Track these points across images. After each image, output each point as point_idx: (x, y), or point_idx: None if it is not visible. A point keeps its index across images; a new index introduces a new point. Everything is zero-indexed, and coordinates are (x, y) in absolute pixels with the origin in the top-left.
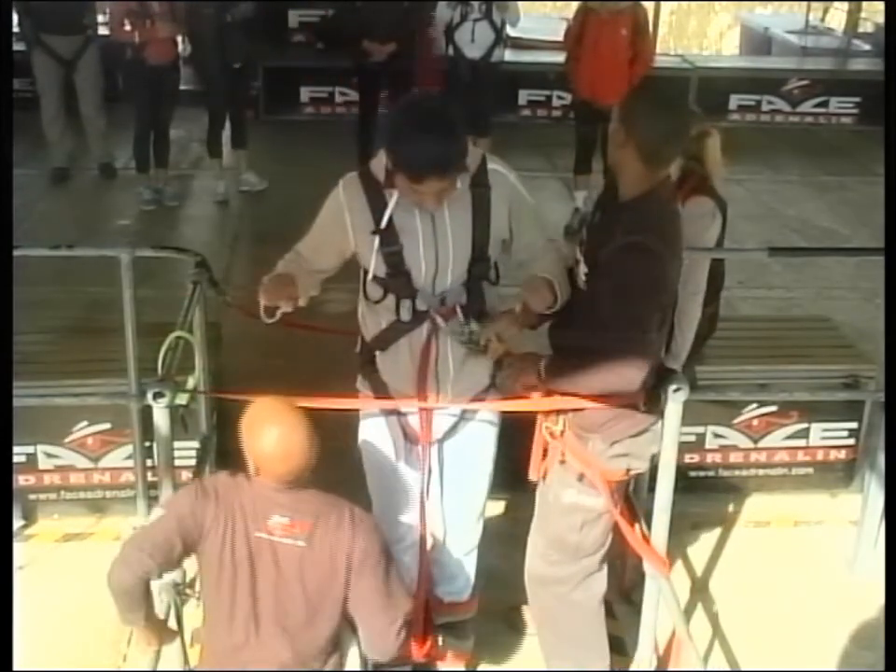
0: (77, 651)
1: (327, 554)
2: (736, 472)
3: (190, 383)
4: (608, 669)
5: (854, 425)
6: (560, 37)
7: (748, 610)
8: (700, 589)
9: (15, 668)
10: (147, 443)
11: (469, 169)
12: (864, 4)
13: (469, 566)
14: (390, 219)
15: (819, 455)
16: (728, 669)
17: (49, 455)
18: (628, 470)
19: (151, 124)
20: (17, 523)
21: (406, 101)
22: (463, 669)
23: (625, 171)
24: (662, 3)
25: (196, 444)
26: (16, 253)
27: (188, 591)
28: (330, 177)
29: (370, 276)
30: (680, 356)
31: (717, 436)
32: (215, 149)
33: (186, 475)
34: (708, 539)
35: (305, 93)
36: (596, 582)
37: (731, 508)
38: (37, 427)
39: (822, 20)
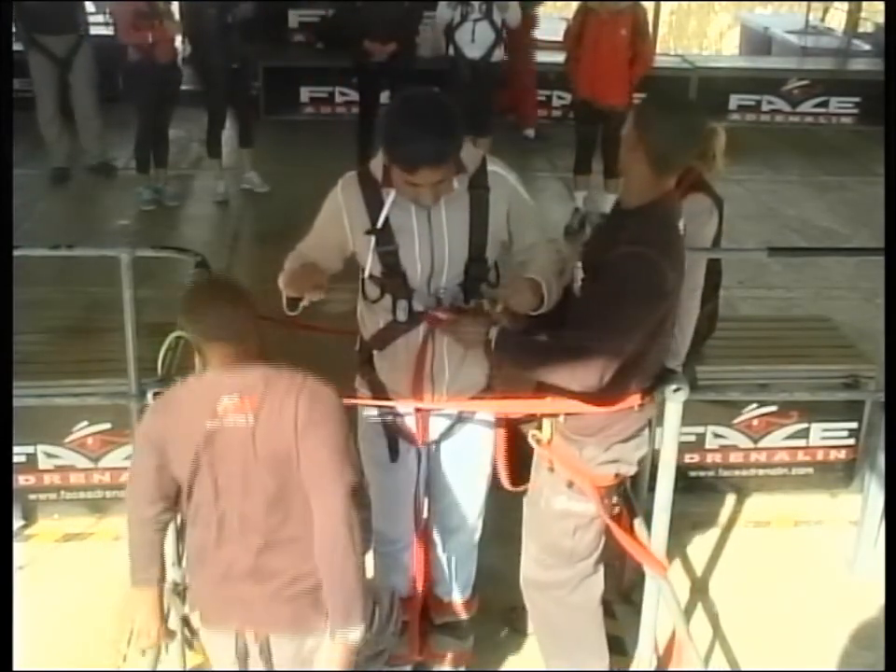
0: (77, 650)
1: (276, 424)
2: (736, 472)
3: None
4: (607, 669)
5: (854, 425)
6: (560, 37)
7: (748, 610)
8: (700, 589)
9: (15, 668)
10: None
11: (467, 169)
12: (864, 4)
13: (469, 566)
14: (387, 219)
15: (819, 455)
16: (728, 669)
17: (49, 455)
18: (617, 475)
19: (152, 124)
20: (17, 523)
21: (402, 95)
22: (463, 669)
23: (632, 176)
24: (662, 3)
25: None
26: (16, 253)
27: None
28: (330, 177)
29: (366, 275)
30: (680, 354)
31: (717, 436)
32: (214, 149)
33: None
34: (708, 538)
35: (305, 93)
36: (593, 585)
37: (731, 508)
38: (37, 427)
39: (822, 20)
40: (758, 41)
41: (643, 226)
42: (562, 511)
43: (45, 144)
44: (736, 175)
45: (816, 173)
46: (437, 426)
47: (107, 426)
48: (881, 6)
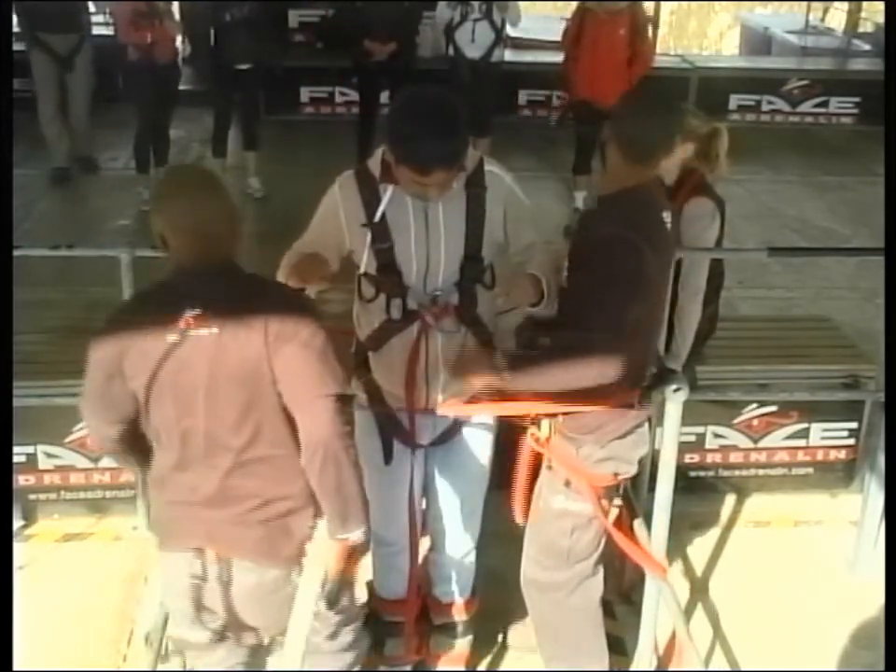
0: (77, 650)
1: (244, 336)
2: (736, 472)
3: None
4: (607, 670)
5: (854, 425)
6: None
7: (748, 610)
8: (700, 589)
9: (15, 668)
10: None
11: (466, 168)
12: (864, 4)
13: (468, 567)
14: (383, 215)
15: (819, 455)
16: (728, 669)
17: (49, 455)
18: (616, 475)
19: (152, 124)
20: (17, 523)
21: (407, 95)
22: (462, 669)
23: (608, 165)
24: (662, 3)
25: None
26: (16, 253)
27: None
28: (330, 177)
29: (360, 271)
30: (681, 355)
31: (717, 436)
32: (219, 149)
33: None
34: (708, 538)
35: (305, 93)
36: (592, 587)
37: (731, 508)
38: (37, 427)
39: (822, 20)
40: (758, 41)
41: (619, 211)
42: (559, 511)
43: (45, 143)
44: (736, 175)
45: (816, 173)
46: (434, 427)
47: None
48: (881, 6)
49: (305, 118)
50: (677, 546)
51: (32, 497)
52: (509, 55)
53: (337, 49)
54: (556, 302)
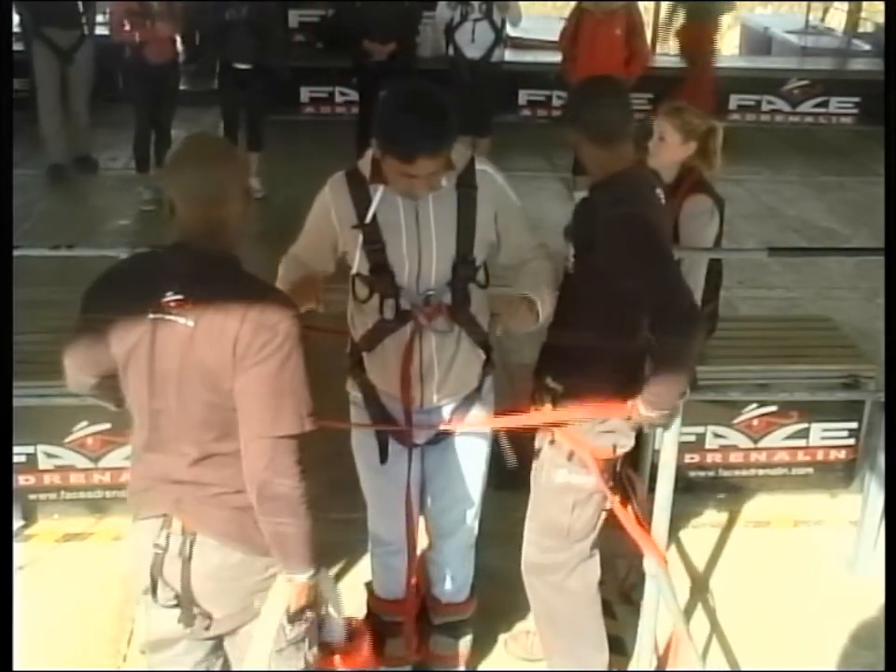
0: (77, 650)
1: (215, 338)
2: (736, 472)
3: None
4: (606, 664)
5: (854, 425)
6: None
7: (747, 610)
8: (700, 589)
9: (15, 668)
10: None
11: (455, 167)
12: (864, 4)
13: (466, 566)
14: (374, 215)
15: (819, 455)
16: (728, 669)
17: (49, 455)
18: (615, 448)
19: (152, 124)
20: (17, 523)
21: (394, 88)
22: (461, 669)
23: (586, 159)
24: (662, 3)
25: None
26: (16, 253)
27: None
28: (330, 177)
29: (353, 272)
30: None
31: (717, 436)
32: None
33: None
34: (708, 538)
35: (305, 93)
36: (590, 569)
37: (731, 508)
38: (37, 427)
39: (822, 20)
40: (758, 41)
41: (615, 191)
42: (562, 486)
43: (44, 140)
44: (736, 175)
45: (816, 173)
46: (429, 426)
47: (107, 426)
48: (881, 6)
49: (305, 118)
50: (677, 546)
51: (32, 496)
52: (509, 55)
53: (337, 48)
54: (556, 303)
